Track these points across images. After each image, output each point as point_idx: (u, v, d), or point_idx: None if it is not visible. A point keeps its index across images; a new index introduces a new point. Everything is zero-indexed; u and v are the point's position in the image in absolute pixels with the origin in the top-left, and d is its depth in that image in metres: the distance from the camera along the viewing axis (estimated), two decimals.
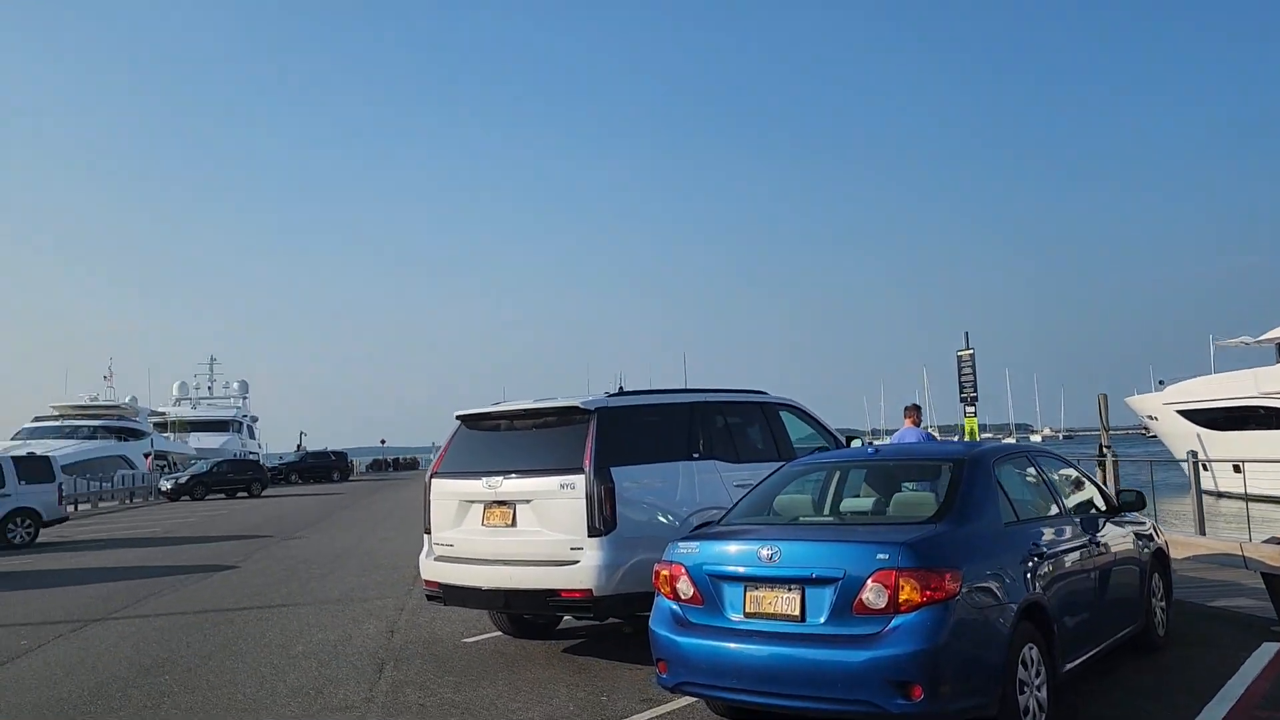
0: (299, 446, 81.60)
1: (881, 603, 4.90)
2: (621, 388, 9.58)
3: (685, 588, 5.57)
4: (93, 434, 52.26)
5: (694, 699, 6.26)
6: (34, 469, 22.59)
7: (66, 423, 53.77)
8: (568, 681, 7.26)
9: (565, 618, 9.05)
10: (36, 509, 21.98)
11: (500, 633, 9.04)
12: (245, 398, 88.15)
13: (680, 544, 5.75)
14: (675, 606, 5.61)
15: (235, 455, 61.05)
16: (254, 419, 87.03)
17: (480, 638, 9.04)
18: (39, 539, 22.38)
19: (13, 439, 49.73)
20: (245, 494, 43.36)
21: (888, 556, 4.95)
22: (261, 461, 55.08)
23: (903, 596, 4.87)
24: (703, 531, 6.02)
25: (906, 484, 6.56)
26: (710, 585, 5.48)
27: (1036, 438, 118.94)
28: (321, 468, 60.24)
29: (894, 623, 4.86)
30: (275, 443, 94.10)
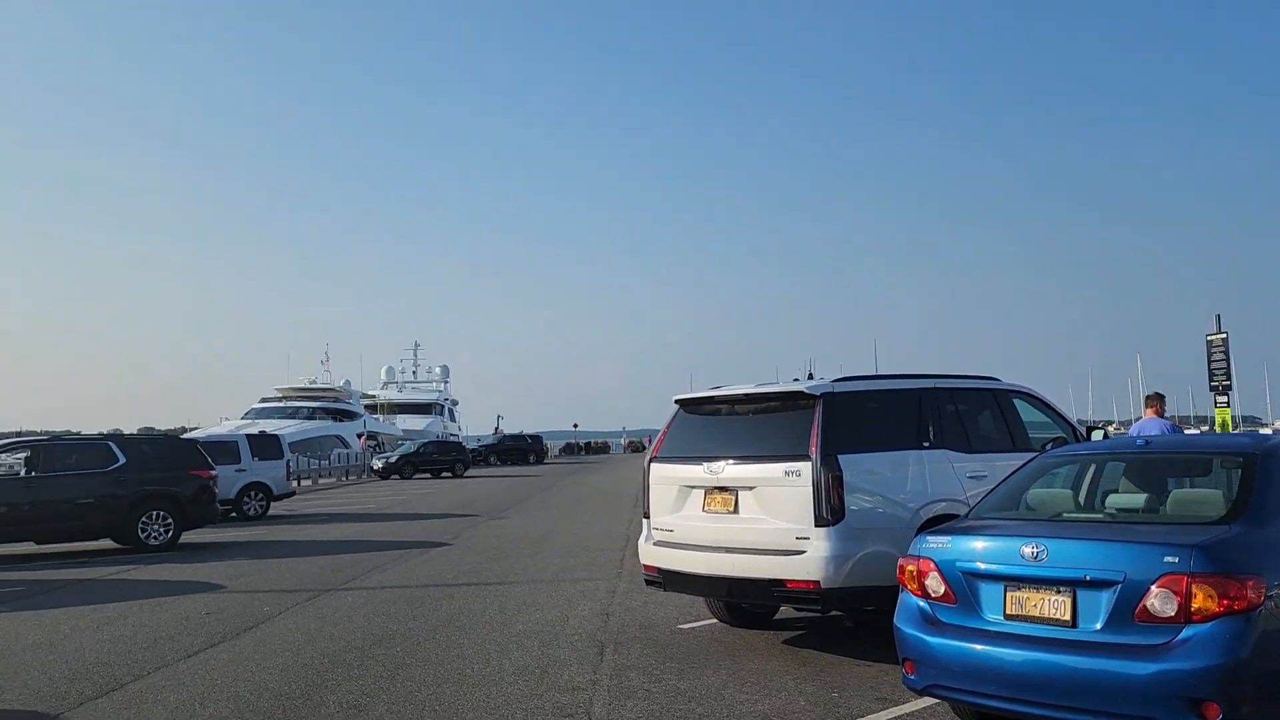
0: (496, 429, 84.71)
1: (1170, 610, 4.40)
2: (811, 373, 9.23)
3: (935, 585, 5.21)
4: (312, 415, 55.89)
5: (934, 700, 5.89)
6: (265, 446, 24.31)
7: (289, 404, 57.74)
8: (793, 674, 7.02)
9: (782, 607, 8.81)
10: (268, 484, 23.64)
11: (716, 620, 8.89)
12: (446, 381, 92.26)
13: (929, 538, 5.39)
14: (924, 604, 5.26)
15: (438, 437, 64.03)
16: (454, 402, 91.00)
17: (696, 625, 8.92)
18: (270, 511, 24.05)
19: (242, 418, 53.87)
20: (449, 474, 45.34)
21: (1177, 560, 4.43)
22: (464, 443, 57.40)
23: (1195, 604, 4.35)
24: (953, 525, 5.63)
25: (1173, 479, 5.95)
26: (964, 583, 5.10)
27: (1266, 431, 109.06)
28: (518, 450, 62.29)
29: (1185, 633, 4.36)
30: (474, 425, 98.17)
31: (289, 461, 25.38)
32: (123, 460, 16.19)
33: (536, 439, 65.57)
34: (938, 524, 6.27)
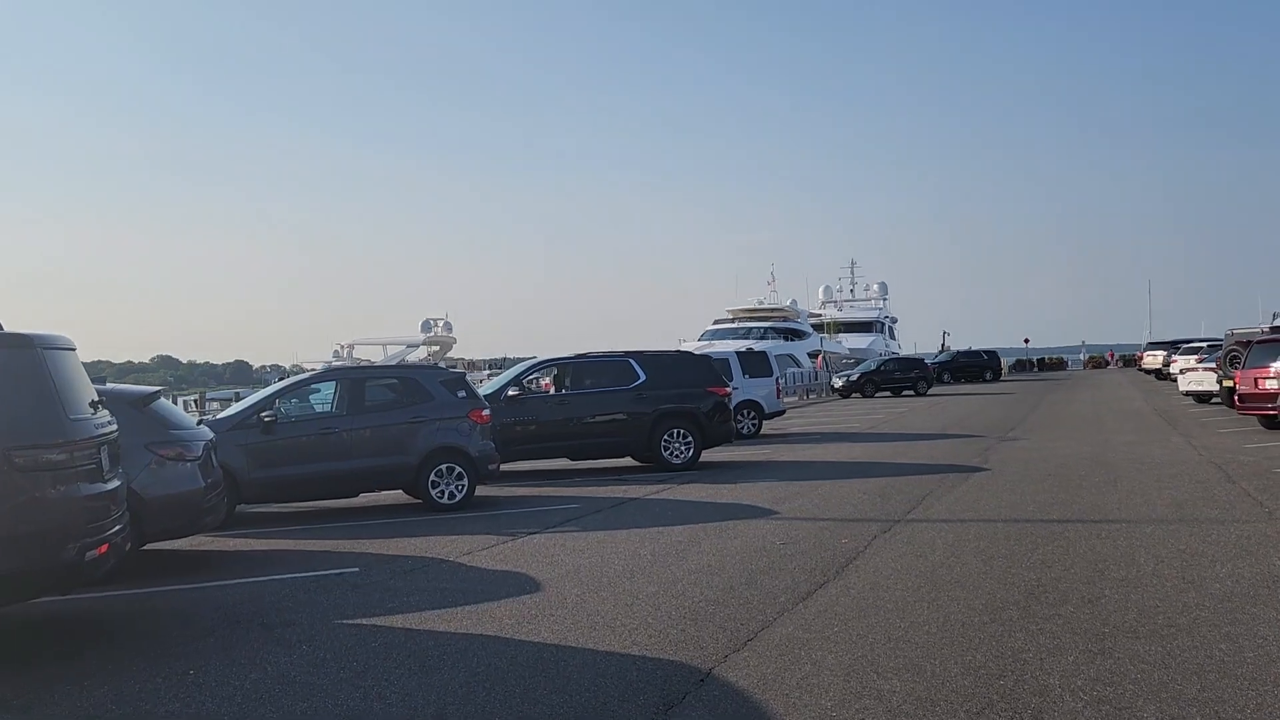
0: (943, 347, 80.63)
1: None
2: None
3: None
4: (764, 335, 55.91)
5: None
6: (755, 364, 23.59)
7: (740, 325, 58.44)
8: None
9: None
10: (759, 402, 22.94)
11: None
12: (885, 299, 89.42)
13: None
14: None
15: (881, 355, 61.81)
16: (893, 320, 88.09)
17: None
18: (761, 431, 23.38)
19: (699, 340, 55.36)
20: (911, 393, 43.07)
21: None
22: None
23: None
24: None
25: None
26: None
27: None
28: (974, 367, 58.43)
29: None
30: (911, 343, 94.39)
31: (779, 379, 24.59)
32: (643, 377, 15.93)
33: (993, 355, 61.06)
34: None
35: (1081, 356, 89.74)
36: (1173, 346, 45.74)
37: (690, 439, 15.87)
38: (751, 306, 61.80)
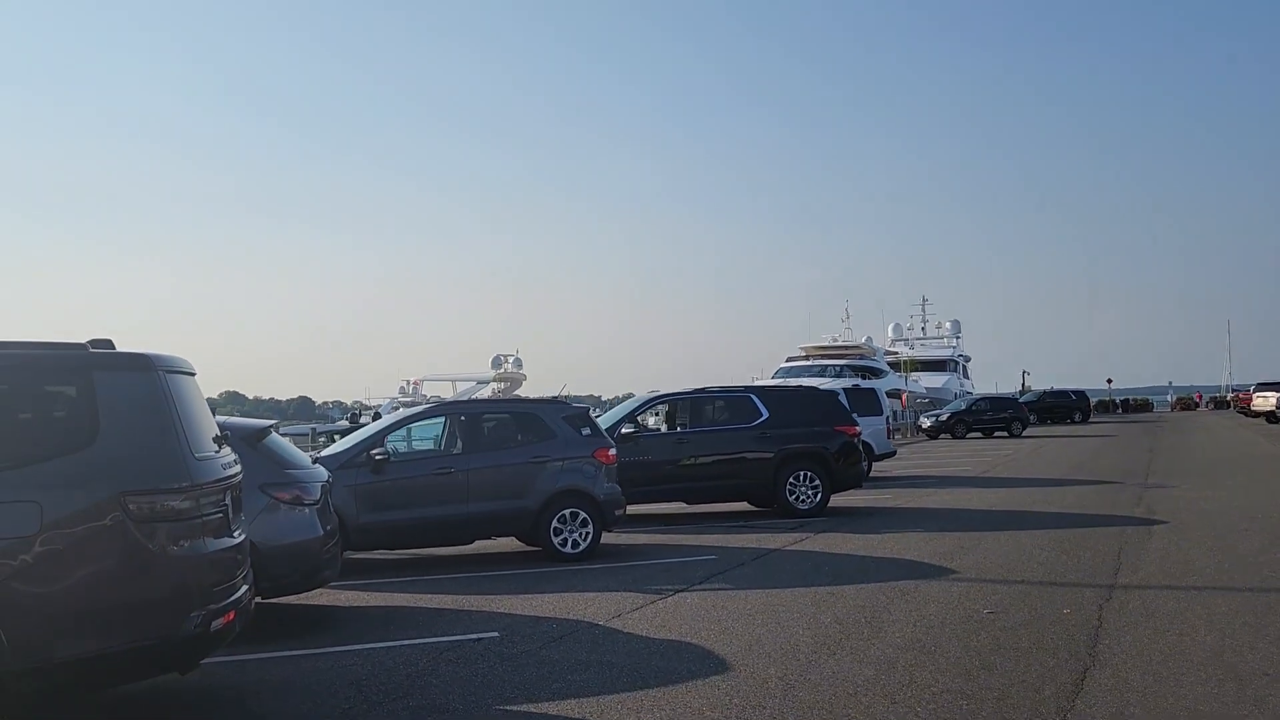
0: (1024, 387, 78.14)
1: None
2: None
3: None
4: (840, 373, 54.22)
5: None
6: (864, 402, 22.04)
7: (814, 362, 56.76)
8: None
9: None
10: (869, 443, 21.36)
11: None
12: (958, 337, 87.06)
13: None
14: None
15: (958, 394, 59.75)
16: (967, 358, 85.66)
17: None
18: (870, 473, 21.81)
19: (773, 378, 53.80)
20: (1005, 434, 41.07)
21: None
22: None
23: None
24: None
25: None
26: None
27: None
28: (1061, 407, 55.94)
29: None
30: (986, 382, 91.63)
31: (889, 417, 23.07)
32: (765, 415, 14.62)
33: (1081, 395, 58.47)
34: None
35: (1169, 398, 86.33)
36: None
37: (818, 482, 14.48)
38: (826, 344, 60.19)
